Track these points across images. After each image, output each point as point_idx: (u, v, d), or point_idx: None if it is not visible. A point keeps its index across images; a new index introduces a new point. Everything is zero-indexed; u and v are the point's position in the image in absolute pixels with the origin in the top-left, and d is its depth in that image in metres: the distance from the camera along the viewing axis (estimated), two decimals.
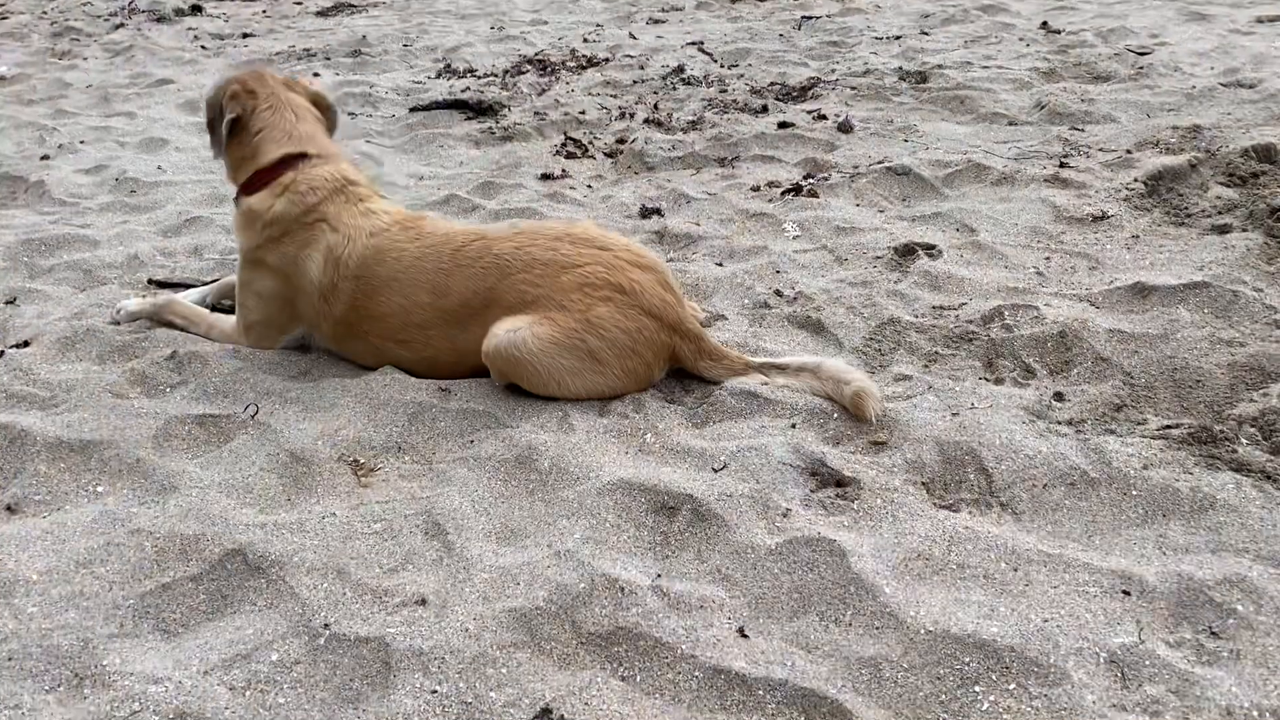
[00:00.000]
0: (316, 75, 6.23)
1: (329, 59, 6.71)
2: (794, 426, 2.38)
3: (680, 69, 5.77)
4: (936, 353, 2.72)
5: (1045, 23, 6.18)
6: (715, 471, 2.22)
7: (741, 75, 5.68)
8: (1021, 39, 5.92)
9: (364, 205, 2.83)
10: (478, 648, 1.76)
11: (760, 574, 1.93)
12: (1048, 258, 3.21)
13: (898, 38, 6.24)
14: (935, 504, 2.11)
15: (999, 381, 2.58)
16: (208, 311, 3.12)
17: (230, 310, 3.20)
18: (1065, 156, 4.01)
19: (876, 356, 2.74)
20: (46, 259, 3.65)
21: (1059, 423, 2.33)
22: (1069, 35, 5.90)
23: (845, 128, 4.51)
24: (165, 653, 1.82)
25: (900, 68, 5.45)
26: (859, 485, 2.15)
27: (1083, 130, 4.32)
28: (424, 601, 1.89)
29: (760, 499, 2.11)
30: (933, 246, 3.29)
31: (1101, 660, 1.66)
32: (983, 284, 3.04)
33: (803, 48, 6.17)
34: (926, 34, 6.29)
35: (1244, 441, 2.16)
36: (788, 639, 1.78)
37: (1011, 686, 1.63)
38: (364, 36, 7.21)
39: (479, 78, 6.02)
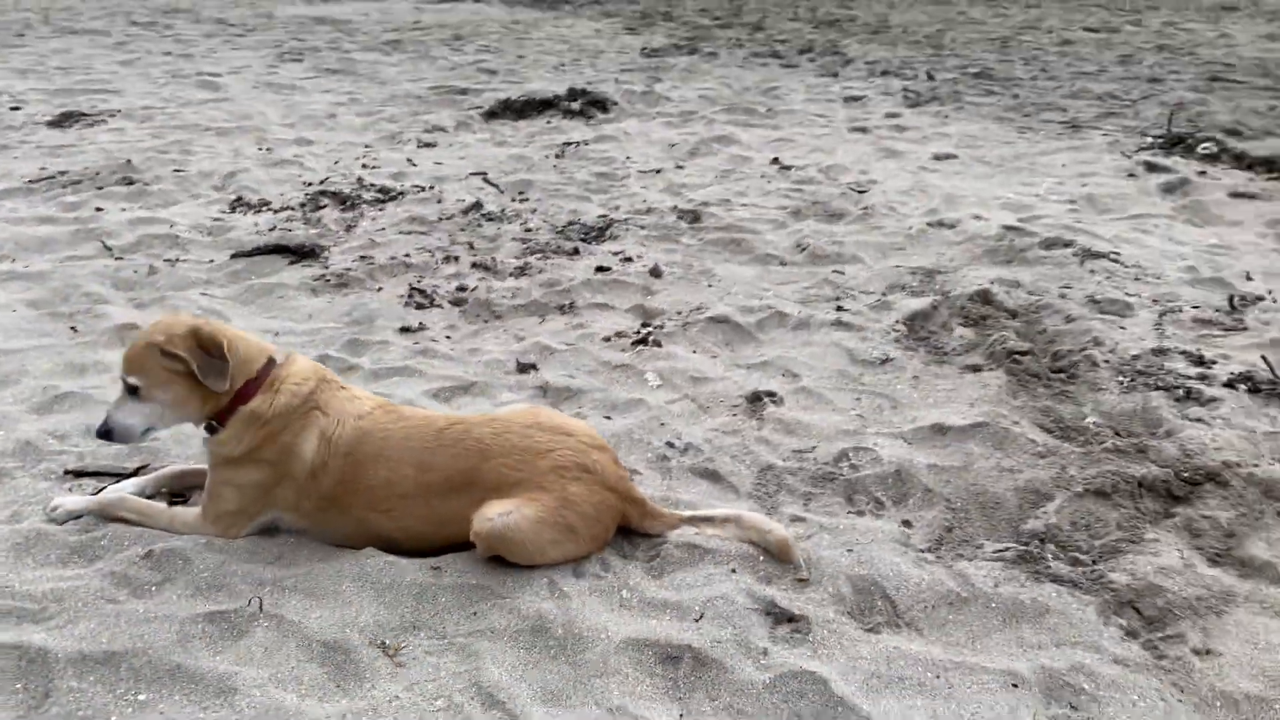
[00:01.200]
0: (100, 209, 6.16)
1: (101, 188, 6.60)
2: (734, 571, 3.04)
3: (479, 204, 6.31)
4: (809, 493, 3.50)
5: (776, 159, 7.32)
6: (696, 621, 2.84)
7: (535, 210, 6.32)
8: (762, 175, 7.01)
9: (346, 392, 3.22)
10: None
11: (763, 705, 2.57)
12: (859, 398, 4.11)
13: (658, 171, 7.14)
14: (863, 629, 2.85)
15: (860, 514, 3.39)
16: (163, 505, 3.31)
17: (175, 499, 3.41)
18: (839, 299, 5.00)
19: (766, 499, 3.47)
20: None
21: (922, 551, 3.17)
22: (798, 171, 7.05)
23: (655, 273, 5.28)
24: None
25: (675, 206, 6.32)
26: (807, 621, 2.85)
27: (843, 273, 5.35)
28: None
29: (741, 641, 2.76)
30: (774, 394, 4.09)
31: None
32: (823, 428, 3.87)
33: (579, 180, 6.90)
34: (681, 167, 7.24)
35: (1050, 559, 3.09)
36: None
37: None
38: (129, 161, 7.12)
39: (276, 211, 6.24)
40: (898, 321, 4.73)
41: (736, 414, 3.99)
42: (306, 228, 5.93)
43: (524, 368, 4.29)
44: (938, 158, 7.38)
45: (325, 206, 6.31)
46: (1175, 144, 7.49)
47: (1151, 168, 6.99)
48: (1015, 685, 2.62)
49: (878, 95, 9.37)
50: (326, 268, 5.40)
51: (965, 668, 2.67)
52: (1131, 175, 6.87)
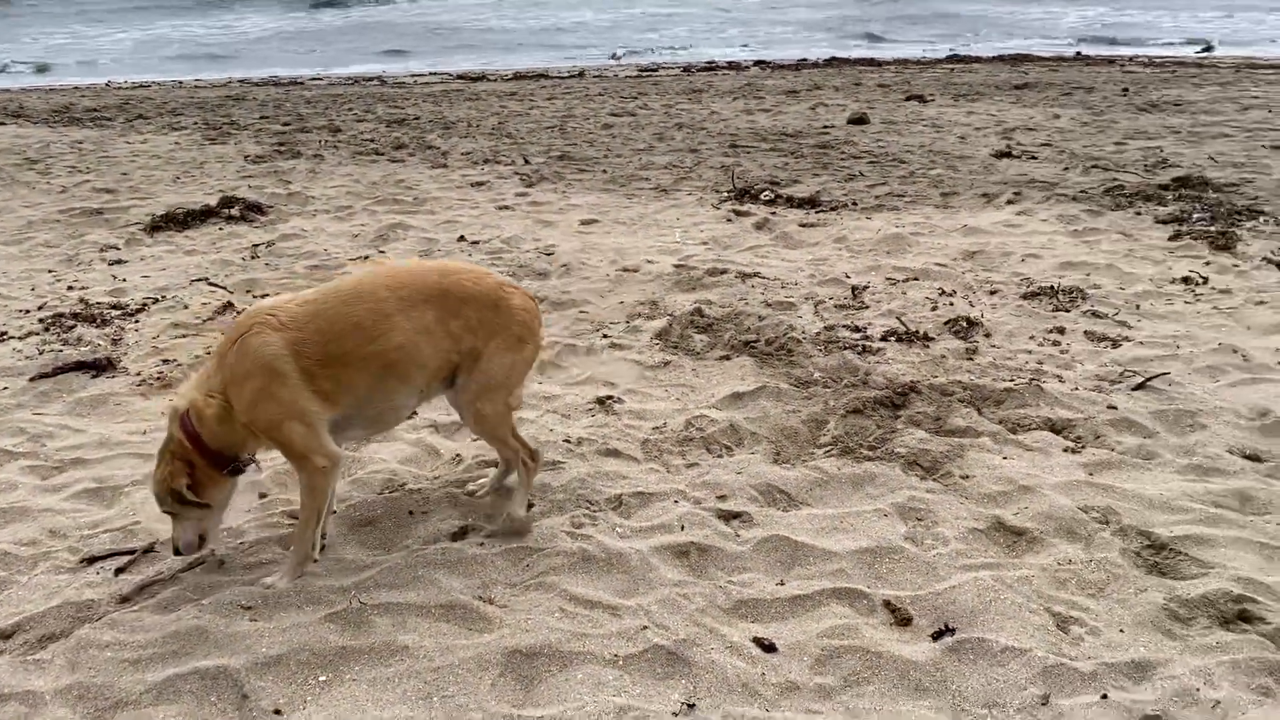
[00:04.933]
0: None
1: None
2: (676, 501, 4.34)
3: (230, 304, 6.82)
4: (683, 450, 4.86)
5: (462, 236, 8.53)
6: (682, 530, 4.09)
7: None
8: (461, 251, 8.19)
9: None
10: None
11: (757, 560, 3.91)
12: (668, 390, 5.54)
13: (366, 257, 8.02)
14: (780, 510, 4.30)
15: (720, 456, 4.84)
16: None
17: None
18: (601, 331, 6.40)
19: (658, 458, 4.78)
20: None
21: (778, 463, 4.69)
22: (485, 245, 8.34)
23: None
24: None
25: None
26: (748, 514, 4.23)
27: (586, 312, 6.76)
28: None
29: (719, 532, 4.07)
30: (612, 396, 5.40)
31: None
32: (661, 411, 5.25)
33: (299, 274, 7.60)
34: (383, 252, 8.19)
35: (855, 449, 4.77)
36: None
37: None
38: None
39: (21, 338, 6.26)
40: (652, 338, 6.24)
41: (595, 414, 5.24)
42: (79, 346, 6.09)
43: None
44: (585, 223, 9.06)
45: (75, 327, 6.43)
46: (743, 195, 9.87)
47: (738, 213, 9.25)
48: (885, 514, 4.21)
49: (496, 179, 10.91)
50: (137, 374, 5.71)
51: (852, 514, 4.22)
52: (729, 220, 9.06)
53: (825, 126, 14.24)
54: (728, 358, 5.94)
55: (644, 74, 23.87)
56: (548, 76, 23.39)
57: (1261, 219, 8.61)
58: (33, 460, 4.77)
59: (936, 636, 3.47)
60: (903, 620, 3.57)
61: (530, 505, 4.17)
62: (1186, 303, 6.72)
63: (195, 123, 15.07)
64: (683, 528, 4.11)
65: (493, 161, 11.91)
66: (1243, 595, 3.58)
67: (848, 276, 7.38)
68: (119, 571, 3.88)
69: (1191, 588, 3.66)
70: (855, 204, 9.57)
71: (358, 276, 3.89)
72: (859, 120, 14.49)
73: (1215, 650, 3.36)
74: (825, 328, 6.31)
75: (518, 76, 23.66)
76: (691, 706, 3.14)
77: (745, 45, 30.87)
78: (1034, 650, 3.35)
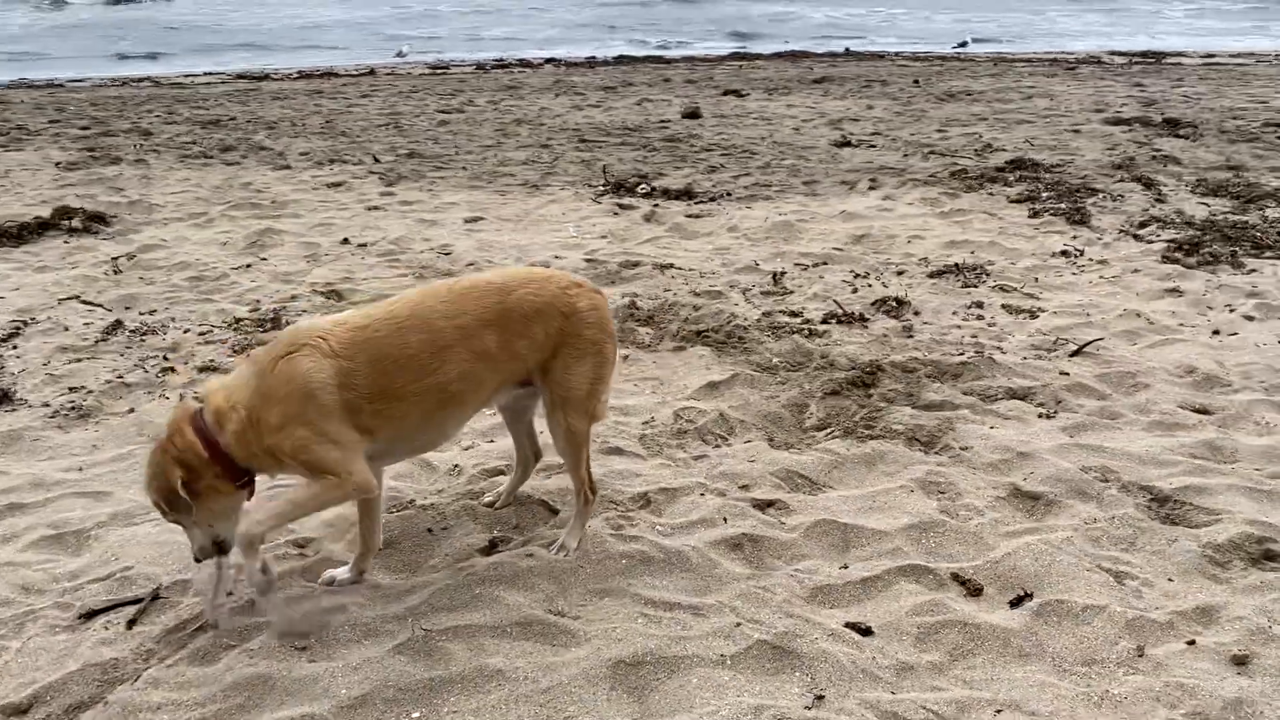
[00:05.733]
0: None
1: None
2: (702, 495, 4.26)
3: (119, 323, 6.16)
4: (680, 442, 4.78)
5: (346, 239, 8.05)
6: (725, 521, 4.02)
7: (173, 319, 6.35)
8: (352, 255, 7.73)
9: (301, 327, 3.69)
10: None
11: (809, 543, 3.90)
12: (637, 384, 5.44)
13: (248, 266, 7.43)
14: (811, 494, 4.30)
15: (717, 445, 4.79)
16: (291, 494, 3.45)
17: None
18: None
19: (660, 452, 4.68)
20: None
21: (786, 449, 4.69)
22: (374, 247, 7.91)
23: None
24: None
25: (318, 287, 6.83)
26: (781, 501, 4.21)
27: None
28: None
29: (763, 521, 4.03)
30: None
31: None
32: (643, 405, 5.14)
33: (178, 286, 6.95)
34: (264, 259, 7.61)
35: (855, 428, 4.83)
36: None
37: None
38: None
39: None
40: None
41: None
42: None
43: None
44: (469, 221, 8.76)
45: None
46: (618, 188, 9.83)
47: (622, 207, 9.20)
48: (910, 490, 4.30)
49: (352, 179, 10.38)
50: (44, 405, 5.06)
51: (881, 493, 4.28)
52: (615, 214, 9.00)
53: (662, 121, 14.37)
54: (682, 348, 5.90)
55: (437, 71, 23.30)
56: (337, 75, 22.37)
57: (1100, 195, 9.38)
58: None
59: (1015, 603, 3.57)
60: (974, 591, 3.65)
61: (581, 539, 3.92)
62: (1073, 274, 7.23)
63: None
64: (725, 520, 4.05)
65: (339, 161, 11.32)
66: (1262, 536, 3.88)
67: (758, 264, 7.47)
68: (131, 624, 3.43)
69: (1214, 534, 3.93)
70: (730, 194, 9.72)
71: (412, 300, 3.57)
72: (693, 114, 14.73)
73: (1262, 589, 3.62)
74: (764, 314, 6.37)
75: (305, 75, 22.53)
76: (821, 698, 3.10)
77: (515, 42, 30.38)
78: (1110, 606, 3.50)
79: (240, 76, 22.66)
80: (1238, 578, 3.71)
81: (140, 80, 21.73)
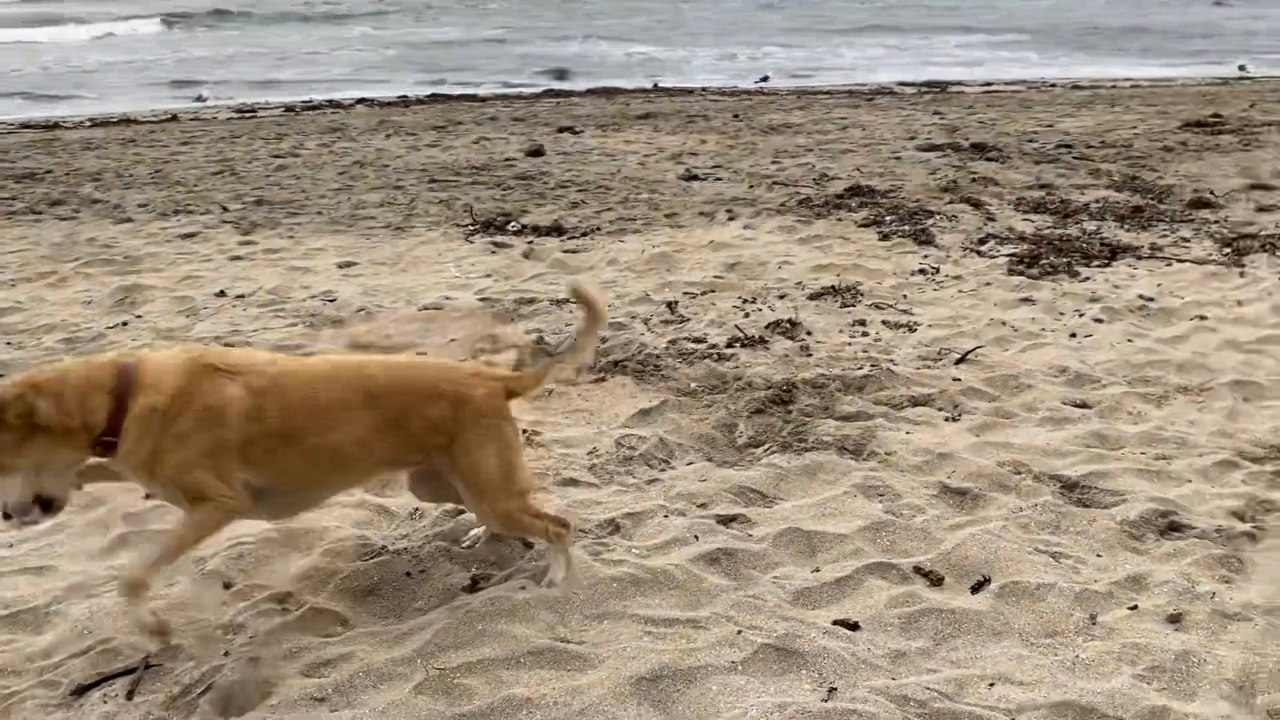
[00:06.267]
0: None
1: None
2: (669, 515, 4.45)
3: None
4: (628, 469, 4.96)
5: (222, 291, 7.80)
6: (697, 539, 4.22)
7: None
8: (233, 306, 7.50)
9: (234, 353, 3.83)
10: None
11: (779, 550, 4.16)
12: (569, 416, 5.57)
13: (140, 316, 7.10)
14: (767, 508, 4.56)
15: (662, 469, 4.99)
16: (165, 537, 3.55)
17: None
18: None
19: (608, 481, 4.84)
20: None
21: (730, 467, 4.94)
22: (252, 298, 7.71)
23: None
24: None
25: (222, 337, 6.61)
26: (742, 516, 4.44)
27: (425, 353, 6.54)
28: None
29: (733, 535, 4.26)
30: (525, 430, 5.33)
31: None
32: (579, 435, 5.28)
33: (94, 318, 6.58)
34: (140, 316, 7.29)
35: (790, 442, 5.13)
36: None
37: None
38: None
39: None
40: (514, 371, 6.20)
41: None
42: None
43: None
44: (342, 266, 8.65)
45: None
46: (487, 226, 9.91)
47: (497, 245, 9.30)
48: (854, 495, 4.62)
49: (205, 229, 10.02)
50: None
51: (828, 498, 4.60)
52: (492, 252, 9.08)
53: (507, 159, 14.51)
54: (603, 379, 6.07)
55: (245, 114, 22.58)
56: (136, 121, 21.31)
57: (937, 216, 10.16)
58: None
59: (976, 589, 3.93)
60: (936, 581, 3.99)
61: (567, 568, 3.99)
62: (935, 290, 7.84)
63: None
64: (696, 537, 4.24)
65: (184, 212, 10.89)
66: (1164, 510, 4.41)
67: (649, 295, 7.73)
68: (130, 695, 3.31)
69: (1124, 512, 4.43)
70: (599, 229, 9.97)
71: (333, 361, 3.92)
72: (536, 152, 14.92)
73: (1176, 556, 4.12)
74: (670, 341, 6.63)
75: (100, 123, 21.33)
76: (834, 690, 3.34)
77: (308, 84, 29.53)
78: (1058, 583, 3.91)
79: (25, 126, 21.25)
80: (1153, 548, 4.20)
81: None
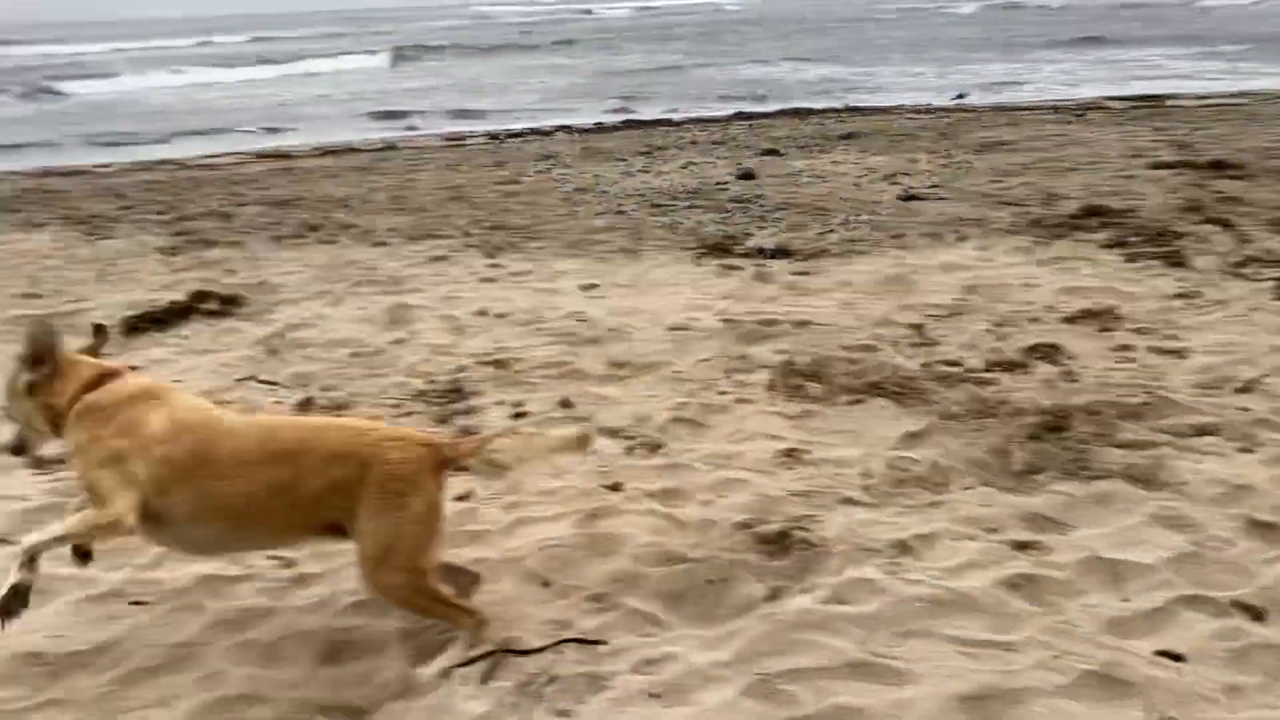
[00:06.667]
0: None
1: None
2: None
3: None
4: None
5: (483, 310, 8.30)
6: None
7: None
8: (486, 327, 7.97)
9: (182, 395, 4.09)
10: None
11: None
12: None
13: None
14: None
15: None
16: (58, 525, 3.74)
17: None
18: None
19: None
20: None
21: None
22: (510, 317, 8.16)
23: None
24: None
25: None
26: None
27: (680, 373, 6.77)
28: None
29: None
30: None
31: None
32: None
33: None
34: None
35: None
36: None
37: None
38: None
39: None
40: (765, 389, 6.33)
41: (792, 467, 5.28)
42: None
43: None
44: (585, 288, 9.03)
45: None
46: (715, 249, 10.13)
47: (728, 268, 9.48)
48: (1150, 525, 4.51)
49: (451, 252, 10.66)
50: None
51: (1125, 527, 4.50)
52: (724, 275, 9.28)
53: (719, 183, 14.73)
54: (860, 400, 6.13)
55: (454, 142, 23.64)
56: (358, 150, 22.70)
57: (1187, 238, 9.71)
58: None
59: None
60: (1258, 615, 3.85)
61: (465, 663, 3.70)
62: (1199, 315, 7.51)
63: (53, 219, 13.73)
64: (995, 562, 4.24)
65: (430, 236, 11.59)
66: None
67: (891, 318, 7.74)
68: (485, 680, 3.59)
69: None
70: (825, 251, 10.03)
71: (261, 421, 4.21)
72: (747, 175, 15.11)
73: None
74: (923, 364, 6.62)
75: (328, 151, 22.83)
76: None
77: (508, 112, 30.48)
78: None
79: (261, 155, 22.98)
80: None
81: (161, 163, 21.88)
